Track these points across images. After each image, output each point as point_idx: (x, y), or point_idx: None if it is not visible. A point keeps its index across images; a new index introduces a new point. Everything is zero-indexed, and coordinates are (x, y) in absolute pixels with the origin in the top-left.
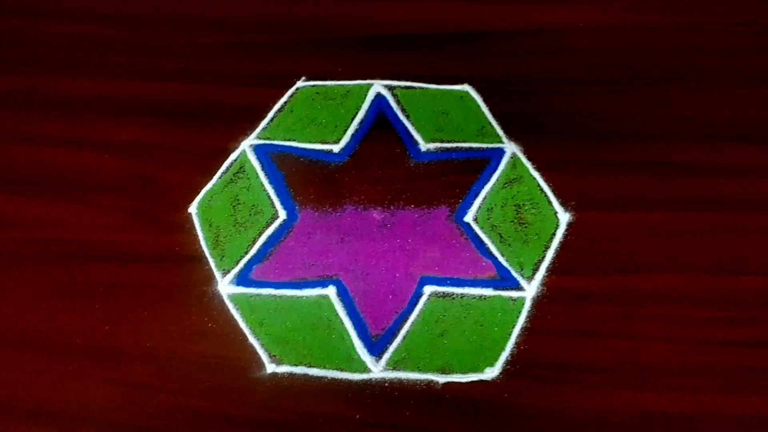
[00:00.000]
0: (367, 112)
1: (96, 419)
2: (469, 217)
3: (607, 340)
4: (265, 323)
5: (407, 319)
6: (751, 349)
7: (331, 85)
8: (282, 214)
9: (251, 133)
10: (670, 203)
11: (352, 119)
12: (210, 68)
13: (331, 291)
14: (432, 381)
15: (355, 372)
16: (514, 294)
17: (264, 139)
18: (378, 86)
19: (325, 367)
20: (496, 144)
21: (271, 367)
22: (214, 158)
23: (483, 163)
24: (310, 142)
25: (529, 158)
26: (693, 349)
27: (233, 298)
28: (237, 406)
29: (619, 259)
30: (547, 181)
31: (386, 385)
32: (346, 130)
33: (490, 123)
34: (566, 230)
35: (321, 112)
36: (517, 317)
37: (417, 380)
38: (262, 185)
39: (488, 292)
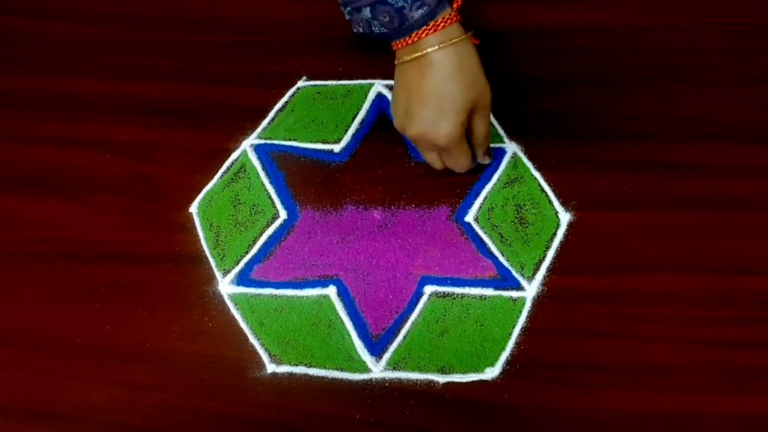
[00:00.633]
0: (368, 111)
1: (96, 419)
2: (469, 217)
3: (607, 340)
4: (265, 323)
5: (407, 319)
6: (751, 349)
7: (331, 85)
8: (282, 214)
9: (252, 133)
10: (670, 203)
11: (353, 119)
12: (210, 68)
13: (331, 291)
14: (432, 381)
15: (355, 372)
16: (514, 294)
17: (265, 138)
18: (379, 86)
19: (325, 367)
20: (497, 144)
21: (271, 367)
22: (214, 158)
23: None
24: (311, 141)
25: (530, 158)
26: (693, 349)
27: (233, 297)
28: (237, 406)
29: (619, 259)
30: (547, 180)
31: (386, 385)
32: (346, 130)
33: (490, 123)
34: (567, 230)
35: (322, 112)
36: (518, 317)
37: (417, 380)
38: (263, 185)
39: (489, 292)
